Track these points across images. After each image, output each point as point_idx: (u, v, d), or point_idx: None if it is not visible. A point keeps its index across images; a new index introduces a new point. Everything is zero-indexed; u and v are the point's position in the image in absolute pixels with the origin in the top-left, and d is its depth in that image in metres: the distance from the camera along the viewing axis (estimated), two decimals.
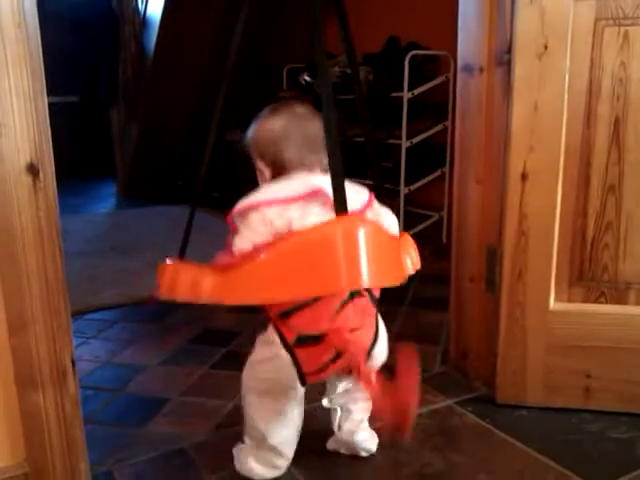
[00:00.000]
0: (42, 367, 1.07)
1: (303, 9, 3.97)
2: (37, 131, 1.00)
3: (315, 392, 1.25)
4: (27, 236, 1.01)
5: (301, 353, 1.04)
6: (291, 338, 1.04)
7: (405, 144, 2.84)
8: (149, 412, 1.47)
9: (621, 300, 1.38)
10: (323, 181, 0.99)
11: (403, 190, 2.90)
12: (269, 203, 1.01)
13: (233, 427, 1.40)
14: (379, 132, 2.99)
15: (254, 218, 1.01)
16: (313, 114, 1.12)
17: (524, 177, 1.34)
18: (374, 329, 1.09)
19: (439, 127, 2.97)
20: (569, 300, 1.40)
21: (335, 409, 1.24)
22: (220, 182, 3.52)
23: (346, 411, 1.23)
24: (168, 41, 3.88)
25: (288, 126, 1.10)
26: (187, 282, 0.98)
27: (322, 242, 0.91)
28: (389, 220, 1.12)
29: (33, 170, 1.00)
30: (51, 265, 1.04)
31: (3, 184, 0.99)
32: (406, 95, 2.78)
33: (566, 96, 1.31)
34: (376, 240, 0.94)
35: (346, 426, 1.24)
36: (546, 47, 1.29)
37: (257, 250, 0.97)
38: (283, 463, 1.20)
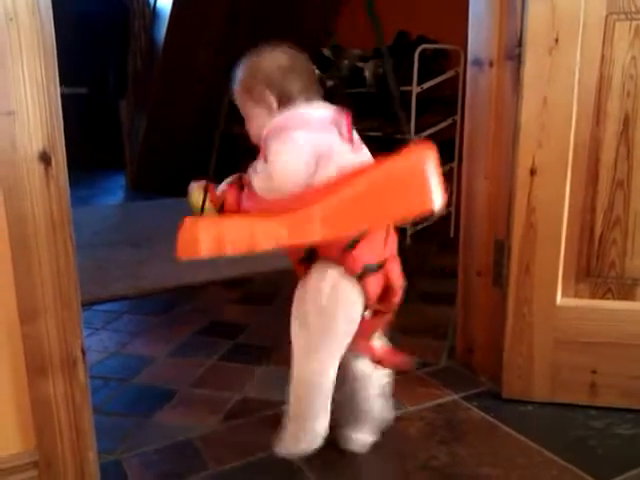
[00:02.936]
0: (53, 356, 1.08)
1: (310, 3, 3.97)
2: (50, 119, 1.01)
3: None
4: (39, 224, 1.02)
5: (366, 283, 1.06)
6: (358, 269, 1.04)
7: (414, 139, 2.83)
8: (157, 403, 1.49)
9: (628, 296, 1.38)
10: (336, 110, 1.06)
11: None
12: (310, 125, 1.02)
13: (240, 419, 1.41)
14: (387, 126, 2.98)
15: (300, 137, 0.99)
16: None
17: (533, 172, 1.34)
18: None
19: (448, 121, 2.96)
20: (576, 296, 1.40)
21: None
22: (225, 174, 3.53)
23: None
24: (178, 34, 3.88)
25: (293, 59, 1.11)
26: (264, 231, 0.93)
27: (412, 168, 0.95)
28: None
29: (46, 158, 1.01)
30: (63, 254, 1.05)
31: (16, 172, 1.00)
32: (415, 89, 2.78)
33: (576, 91, 1.30)
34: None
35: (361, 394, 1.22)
36: (557, 41, 1.28)
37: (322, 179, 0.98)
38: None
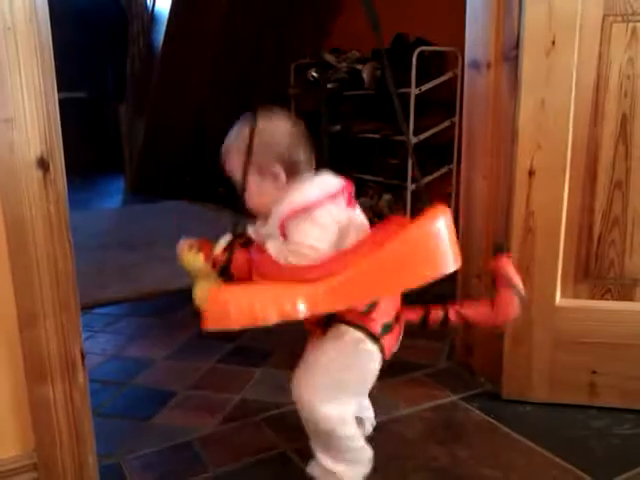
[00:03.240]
0: (52, 359, 1.08)
1: (310, 5, 3.98)
2: (47, 125, 1.01)
3: None
4: (37, 229, 1.02)
5: (385, 341, 1.06)
6: (378, 329, 1.05)
7: (412, 140, 2.84)
8: (156, 405, 1.49)
9: (627, 296, 1.38)
10: (340, 179, 1.06)
11: (410, 187, 2.90)
12: (328, 199, 1.02)
13: (239, 420, 1.41)
14: (386, 128, 2.99)
15: (322, 215, 1.00)
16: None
17: (531, 173, 1.35)
18: None
19: (446, 123, 2.97)
20: (575, 296, 1.40)
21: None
22: (226, 178, 3.53)
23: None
24: (176, 37, 3.89)
25: (295, 128, 1.09)
26: (279, 304, 0.92)
27: (429, 233, 0.95)
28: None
29: (43, 164, 1.01)
30: (61, 258, 1.05)
31: (14, 177, 1.00)
32: (413, 91, 2.78)
33: (573, 92, 1.31)
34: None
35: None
36: (554, 43, 1.28)
37: (344, 250, 0.99)
38: None
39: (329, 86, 3.08)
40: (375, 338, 1.05)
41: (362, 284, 0.94)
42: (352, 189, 1.09)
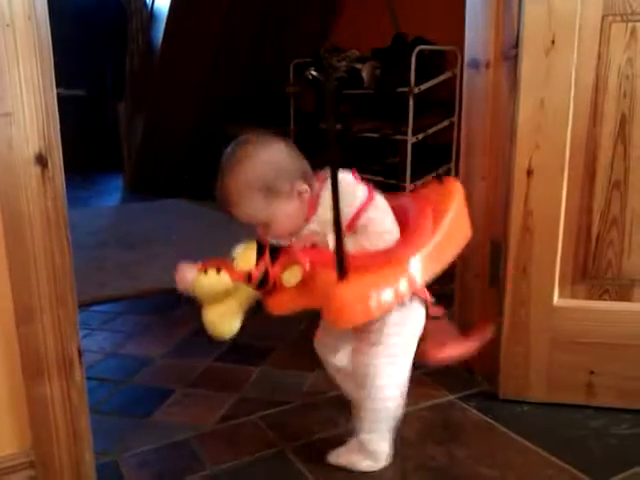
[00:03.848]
0: (49, 357, 1.07)
1: (309, 4, 3.98)
2: (46, 122, 1.01)
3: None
4: (35, 226, 1.02)
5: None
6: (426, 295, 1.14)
7: (411, 140, 2.84)
8: (154, 403, 1.48)
9: (625, 297, 1.38)
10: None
11: (409, 186, 2.90)
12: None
13: (237, 419, 1.41)
14: (385, 127, 2.99)
15: (381, 201, 1.08)
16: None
17: (529, 173, 1.35)
18: None
19: (445, 123, 2.97)
20: (573, 296, 1.40)
21: None
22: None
23: None
24: (175, 35, 3.88)
25: (286, 142, 1.12)
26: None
27: (459, 212, 1.12)
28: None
29: (42, 160, 1.01)
30: (59, 255, 1.05)
31: (12, 174, 1.00)
32: (413, 90, 2.78)
33: (572, 92, 1.31)
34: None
35: None
36: (553, 42, 1.28)
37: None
38: None
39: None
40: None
41: (440, 254, 1.05)
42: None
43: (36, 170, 1.01)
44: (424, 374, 1.60)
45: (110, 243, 2.98)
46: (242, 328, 1.92)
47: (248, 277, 1.04)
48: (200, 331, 1.89)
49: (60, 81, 1.03)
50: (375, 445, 1.18)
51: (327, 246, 1.05)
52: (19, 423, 1.10)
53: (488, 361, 1.51)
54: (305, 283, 1.03)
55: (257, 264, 1.04)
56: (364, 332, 1.12)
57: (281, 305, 1.09)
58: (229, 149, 1.09)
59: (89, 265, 2.47)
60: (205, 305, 1.09)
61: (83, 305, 2.04)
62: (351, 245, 1.03)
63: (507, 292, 1.41)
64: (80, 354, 1.12)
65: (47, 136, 1.01)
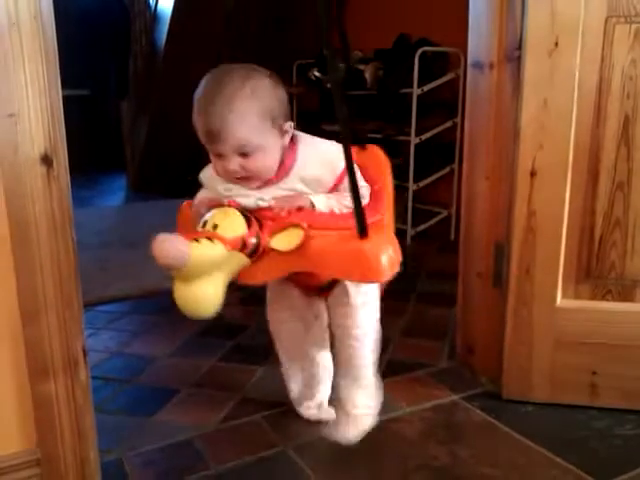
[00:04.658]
0: (54, 356, 1.08)
1: (312, 4, 3.97)
2: (51, 122, 1.01)
3: None
4: (41, 226, 1.03)
5: None
6: None
7: (414, 141, 2.84)
8: (158, 403, 1.49)
9: (628, 297, 1.38)
10: None
11: (412, 187, 2.90)
12: None
13: (240, 418, 1.41)
14: (388, 128, 2.99)
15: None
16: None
17: (533, 174, 1.35)
18: None
19: (448, 124, 2.97)
20: (576, 297, 1.40)
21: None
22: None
23: None
24: (179, 36, 3.89)
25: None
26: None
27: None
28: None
29: (47, 161, 1.02)
30: (64, 254, 1.06)
31: (18, 174, 1.00)
32: (416, 91, 2.78)
33: (576, 93, 1.31)
34: None
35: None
36: (556, 44, 1.29)
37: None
38: None
39: (329, 86, 3.08)
40: None
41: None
42: None
43: (42, 170, 1.02)
44: (427, 374, 1.61)
45: (114, 243, 2.98)
46: (245, 328, 1.93)
47: (242, 244, 0.97)
48: (205, 331, 1.91)
49: (65, 81, 1.04)
50: (375, 378, 1.22)
51: (313, 208, 1.06)
52: (25, 422, 1.10)
53: (491, 361, 1.51)
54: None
55: (249, 229, 0.98)
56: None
57: (264, 273, 1.03)
58: (217, 73, 1.04)
59: (93, 265, 2.48)
60: (190, 280, 0.96)
61: (88, 305, 2.04)
62: (334, 203, 1.08)
63: (510, 292, 1.42)
64: (85, 354, 1.12)
65: (52, 136, 1.02)
